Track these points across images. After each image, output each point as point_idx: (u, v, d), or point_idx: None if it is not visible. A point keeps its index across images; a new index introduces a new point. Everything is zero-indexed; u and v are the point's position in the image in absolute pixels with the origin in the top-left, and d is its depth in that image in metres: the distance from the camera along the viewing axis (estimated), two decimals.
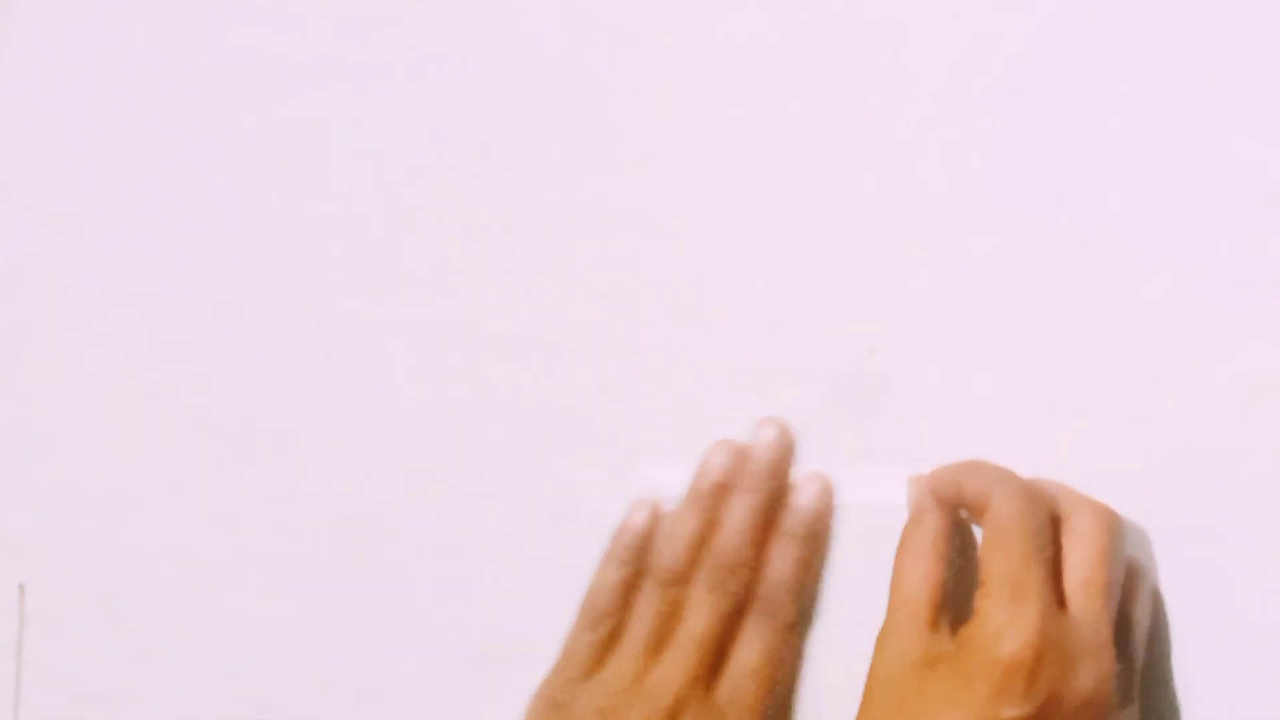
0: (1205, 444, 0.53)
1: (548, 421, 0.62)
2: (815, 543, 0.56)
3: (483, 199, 0.64)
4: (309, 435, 0.66)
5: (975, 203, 0.57)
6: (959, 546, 0.53)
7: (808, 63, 0.59)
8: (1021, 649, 0.47)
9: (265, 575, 0.66)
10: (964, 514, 0.53)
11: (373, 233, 0.65)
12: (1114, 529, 0.51)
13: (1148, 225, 0.54)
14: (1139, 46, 0.55)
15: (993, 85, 0.57)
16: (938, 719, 0.47)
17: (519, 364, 0.63)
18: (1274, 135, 0.53)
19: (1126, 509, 0.53)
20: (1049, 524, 0.50)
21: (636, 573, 0.56)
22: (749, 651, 0.54)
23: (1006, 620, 0.47)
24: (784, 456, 0.57)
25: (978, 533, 0.52)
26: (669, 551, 0.56)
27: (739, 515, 0.55)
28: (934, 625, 0.50)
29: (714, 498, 0.56)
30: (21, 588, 0.69)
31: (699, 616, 0.55)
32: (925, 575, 0.51)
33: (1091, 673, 0.47)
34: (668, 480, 0.57)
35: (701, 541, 0.56)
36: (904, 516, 0.53)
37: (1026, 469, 0.54)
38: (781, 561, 0.55)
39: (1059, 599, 0.49)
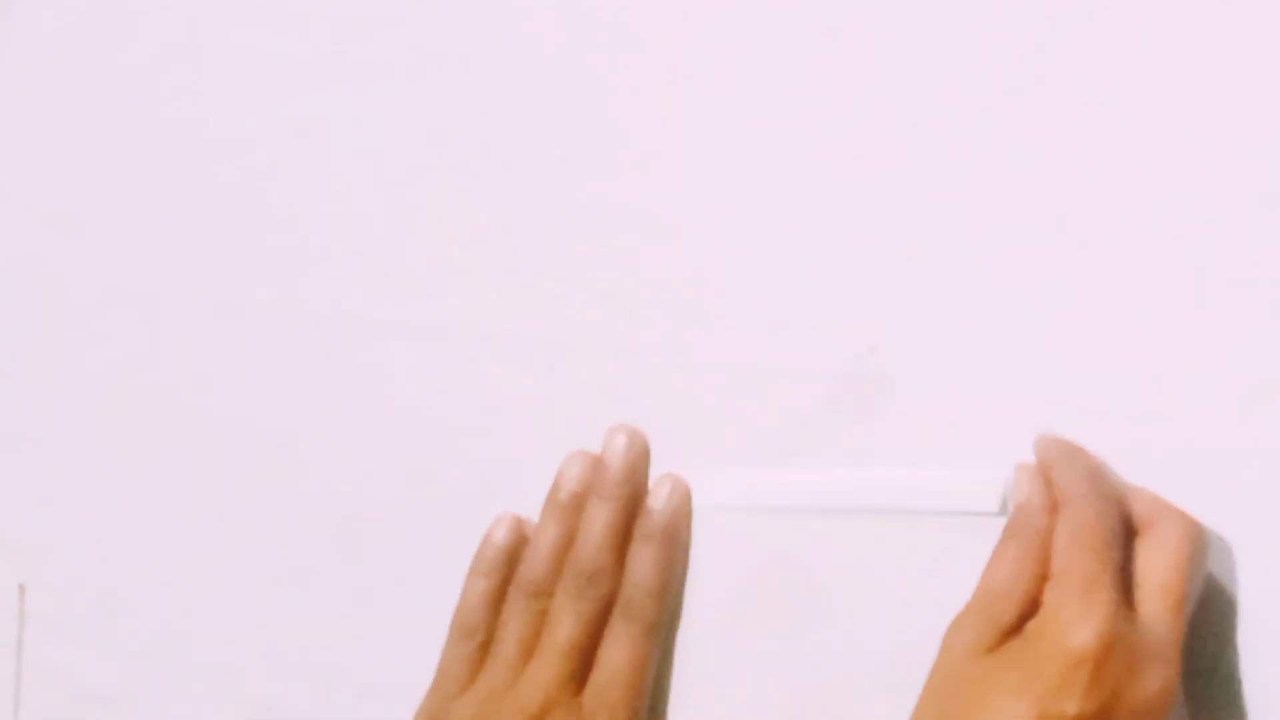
0: (1205, 444, 0.53)
1: (548, 421, 0.62)
2: (672, 544, 0.57)
3: (483, 199, 0.64)
4: (309, 435, 0.66)
5: (975, 203, 0.57)
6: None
7: (808, 63, 0.59)
8: (1090, 642, 0.46)
9: (265, 575, 0.66)
10: None
11: (373, 233, 0.65)
12: (1197, 540, 0.50)
13: (1148, 225, 0.54)
14: (1139, 46, 0.55)
15: (993, 85, 0.57)
16: (998, 707, 0.47)
17: (519, 364, 0.63)
18: (1274, 135, 0.53)
19: None
20: (1124, 527, 0.50)
21: (502, 585, 0.59)
22: (614, 654, 0.56)
23: (1077, 613, 0.47)
24: (636, 462, 0.58)
25: None
26: (531, 562, 0.58)
27: (595, 522, 0.57)
28: (1014, 628, 0.49)
29: (571, 507, 0.58)
30: (21, 588, 0.69)
31: (563, 624, 0.56)
32: (1020, 574, 0.50)
33: (1158, 677, 0.47)
34: None
35: (562, 550, 0.58)
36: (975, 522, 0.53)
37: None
38: (640, 565, 0.57)
39: (1129, 603, 0.48)
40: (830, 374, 0.58)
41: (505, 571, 0.59)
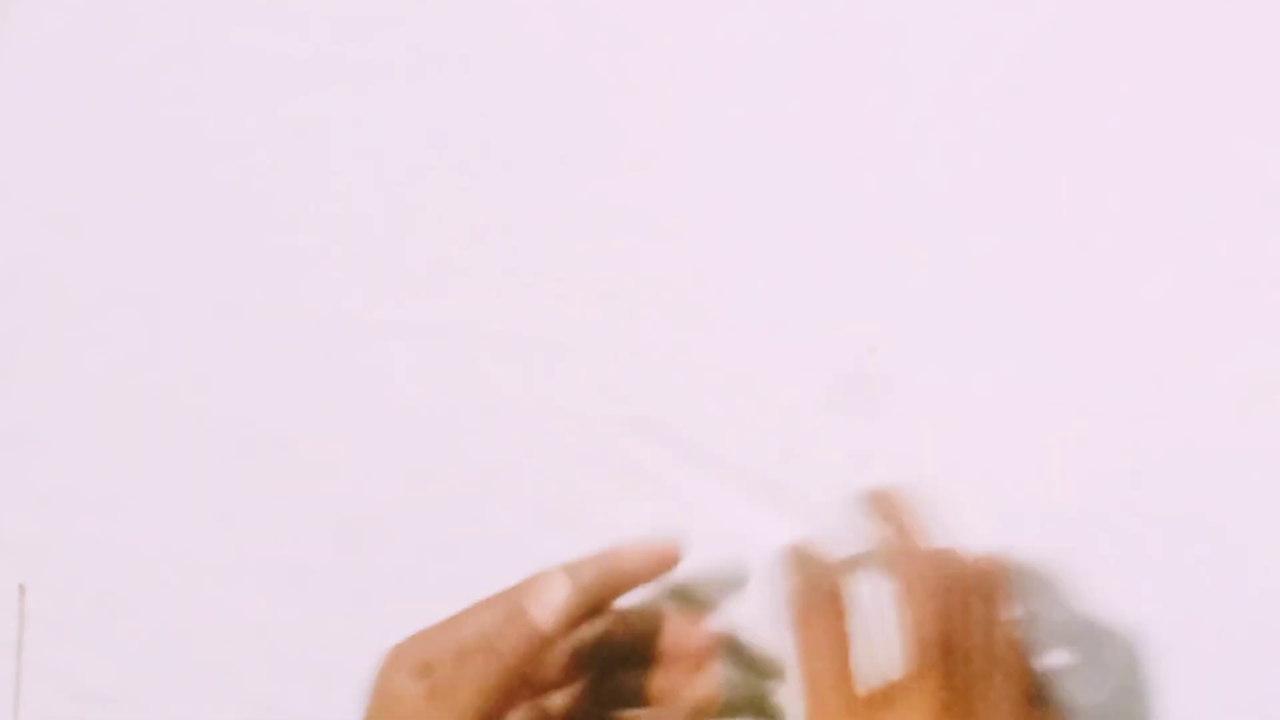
0: (1205, 444, 0.53)
1: (548, 421, 0.62)
2: None
3: (483, 199, 0.64)
4: (309, 435, 0.66)
5: (975, 203, 0.57)
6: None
7: (808, 63, 0.59)
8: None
9: (265, 575, 0.66)
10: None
11: (373, 233, 0.65)
12: (1011, 574, 0.46)
13: (1148, 225, 0.54)
14: (1139, 46, 0.55)
15: (993, 85, 0.57)
16: None
17: (519, 364, 0.63)
18: (1274, 135, 0.53)
19: (1128, 509, 0.53)
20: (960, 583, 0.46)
21: None
22: None
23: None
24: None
25: None
26: None
27: None
28: (852, 687, 0.45)
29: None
30: (21, 588, 0.69)
31: None
32: (833, 642, 0.46)
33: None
34: None
35: None
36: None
37: (1026, 469, 0.54)
38: None
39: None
40: (830, 374, 0.58)
41: None
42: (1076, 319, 0.55)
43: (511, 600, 0.49)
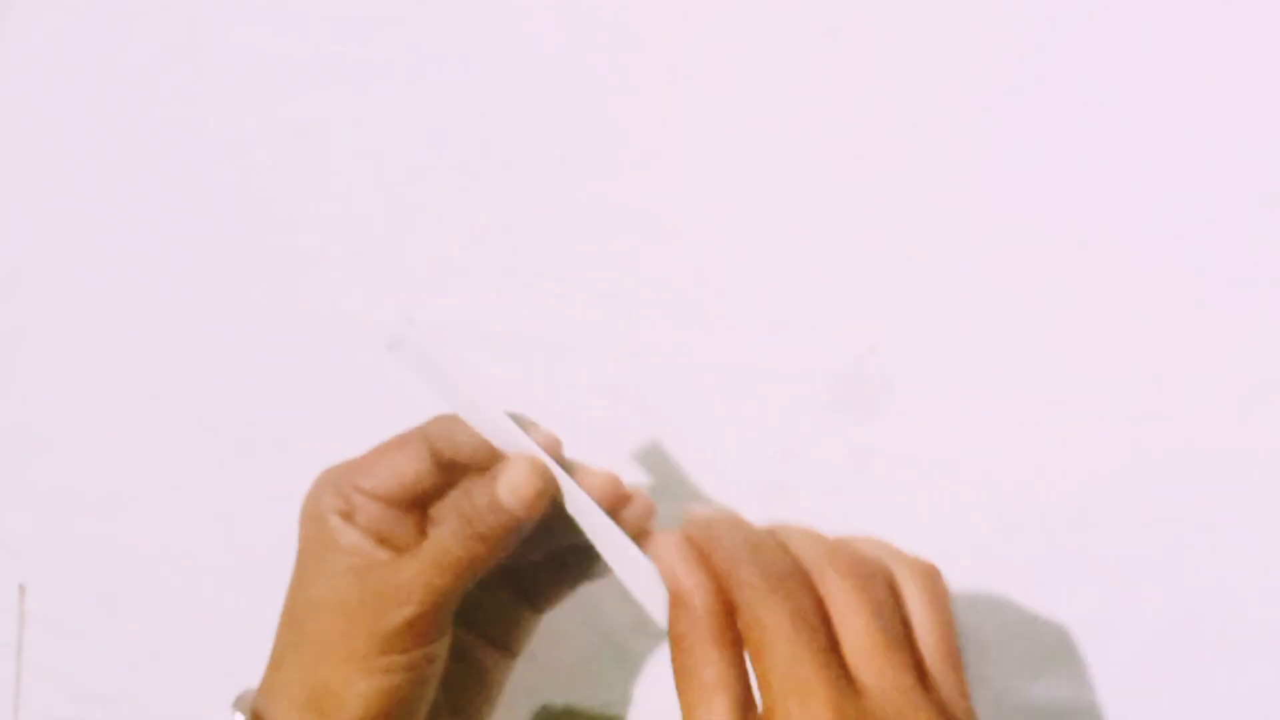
0: (1205, 444, 0.53)
1: (547, 421, 0.62)
2: None
3: (483, 199, 0.64)
4: (309, 435, 0.66)
5: (975, 203, 0.57)
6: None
7: (808, 63, 0.59)
8: None
9: (265, 575, 0.66)
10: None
11: (373, 233, 0.65)
12: (943, 583, 0.46)
13: (1148, 225, 0.54)
14: (1139, 46, 0.55)
15: (993, 85, 0.57)
16: None
17: (519, 364, 0.63)
18: (1274, 135, 0.53)
19: (1127, 509, 0.53)
20: (816, 601, 0.44)
21: None
22: None
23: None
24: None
25: None
26: None
27: None
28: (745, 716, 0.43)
29: None
30: (21, 588, 0.69)
31: None
32: (717, 676, 0.43)
33: None
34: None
35: None
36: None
37: (1027, 469, 0.54)
38: None
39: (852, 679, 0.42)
40: (830, 374, 0.58)
41: None
42: (1076, 319, 0.55)
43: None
